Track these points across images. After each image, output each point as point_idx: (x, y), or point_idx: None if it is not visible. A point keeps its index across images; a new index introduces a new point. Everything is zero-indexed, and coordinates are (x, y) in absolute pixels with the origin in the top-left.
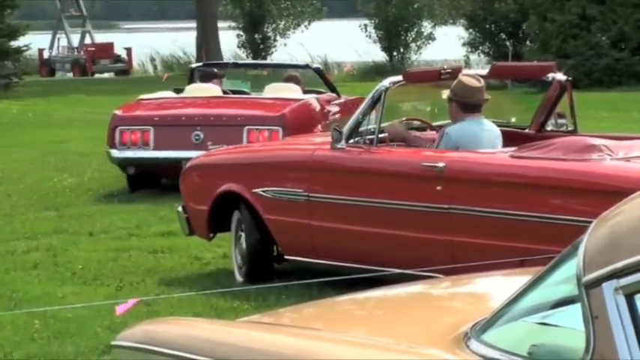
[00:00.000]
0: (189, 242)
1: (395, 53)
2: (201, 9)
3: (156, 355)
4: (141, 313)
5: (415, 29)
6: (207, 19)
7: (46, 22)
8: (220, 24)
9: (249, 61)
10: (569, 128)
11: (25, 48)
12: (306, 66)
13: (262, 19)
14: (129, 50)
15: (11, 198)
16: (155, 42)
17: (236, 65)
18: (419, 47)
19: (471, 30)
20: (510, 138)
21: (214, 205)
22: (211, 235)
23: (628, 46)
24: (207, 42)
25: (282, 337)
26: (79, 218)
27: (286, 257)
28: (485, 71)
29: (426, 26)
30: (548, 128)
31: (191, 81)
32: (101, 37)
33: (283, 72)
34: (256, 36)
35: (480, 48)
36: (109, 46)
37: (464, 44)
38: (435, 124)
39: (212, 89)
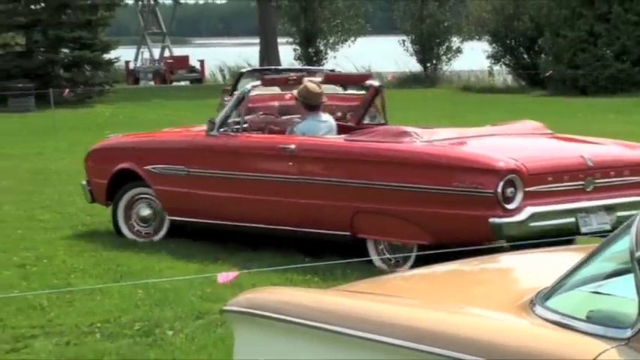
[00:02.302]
0: None
1: (428, 64)
2: (263, 26)
3: (258, 318)
4: (224, 285)
5: (446, 44)
6: (268, 35)
7: (131, 37)
8: (279, 39)
9: (286, 67)
10: (381, 122)
11: (115, 60)
12: (332, 70)
13: (315, 35)
14: (202, 62)
15: None
16: (222, 55)
17: (276, 70)
18: (449, 59)
19: (494, 44)
20: (341, 129)
21: (112, 179)
22: (109, 202)
23: (629, 59)
24: (269, 55)
25: (372, 303)
26: None
27: (170, 218)
28: (320, 79)
29: (455, 41)
30: (365, 122)
31: (236, 85)
32: (178, 51)
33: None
34: (310, 50)
35: (502, 60)
36: (185, 59)
37: (488, 57)
38: (287, 117)
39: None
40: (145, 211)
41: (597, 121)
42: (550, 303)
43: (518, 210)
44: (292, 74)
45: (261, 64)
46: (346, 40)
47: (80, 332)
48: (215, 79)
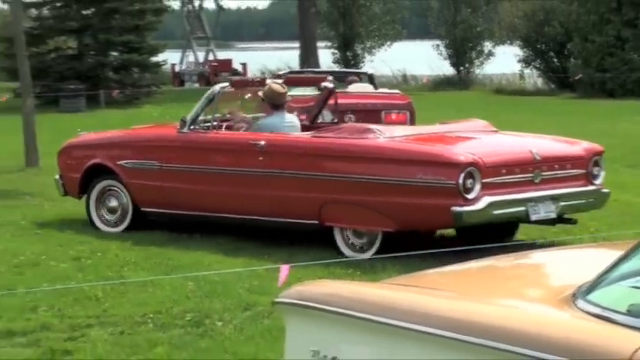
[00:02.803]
0: None
1: (461, 68)
2: (303, 31)
3: (308, 310)
4: (270, 278)
5: (478, 48)
6: (308, 40)
7: (177, 41)
8: (318, 43)
9: (321, 69)
10: (335, 120)
11: (161, 63)
12: (364, 73)
13: (353, 40)
14: (244, 65)
15: None
16: (263, 58)
17: (313, 72)
18: (481, 63)
19: (524, 49)
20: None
21: (85, 173)
22: (81, 195)
23: None
24: (308, 58)
25: (417, 295)
26: None
27: (142, 209)
28: (282, 80)
29: (487, 45)
30: (319, 121)
31: None
32: (221, 55)
33: (345, 77)
34: (348, 53)
35: (532, 64)
36: (228, 62)
37: (519, 61)
38: (254, 115)
39: (306, 88)
40: (113, 203)
41: (624, 122)
42: (591, 297)
43: (476, 199)
44: (258, 77)
45: (301, 67)
46: (383, 45)
47: (133, 322)
48: None
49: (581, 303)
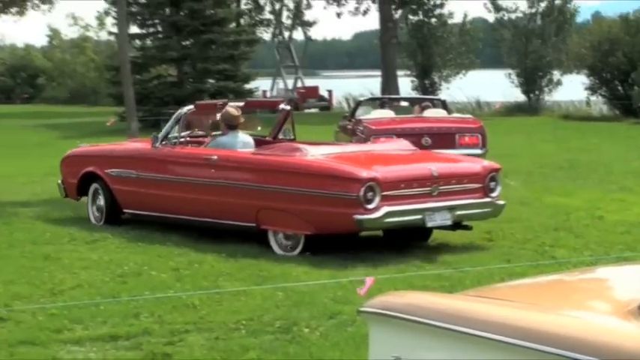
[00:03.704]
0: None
1: (532, 95)
2: (384, 61)
3: (391, 319)
4: (353, 289)
5: (547, 77)
6: (389, 69)
7: (268, 70)
8: (398, 72)
9: (397, 96)
10: (292, 137)
11: (254, 90)
12: (438, 99)
13: (430, 69)
14: (330, 92)
15: None
16: (347, 86)
17: (390, 99)
18: (550, 90)
19: (591, 77)
20: (259, 143)
21: (80, 179)
22: (79, 197)
23: None
24: (389, 86)
25: (493, 306)
26: None
27: (124, 210)
28: (242, 104)
29: (556, 74)
30: (280, 137)
31: (354, 111)
32: (309, 82)
33: (419, 102)
34: (426, 81)
35: (598, 91)
36: (315, 89)
37: (585, 89)
38: (213, 133)
39: (385, 112)
40: (100, 202)
41: None
42: None
43: (376, 209)
44: (220, 102)
45: (382, 94)
46: (458, 73)
47: (227, 328)
48: (341, 106)
49: None
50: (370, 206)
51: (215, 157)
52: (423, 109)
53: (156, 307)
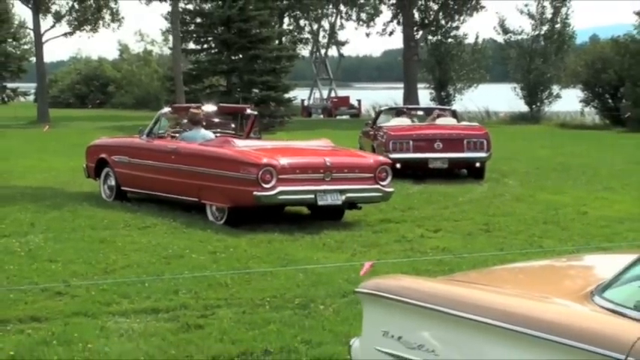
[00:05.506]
0: (398, 227)
1: (534, 106)
2: (406, 75)
3: (382, 299)
4: (368, 272)
5: (548, 90)
6: (410, 82)
7: (306, 82)
8: (419, 85)
9: (414, 105)
10: (259, 136)
11: (293, 99)
12: (449, 109)
13: (446, 82)
14: (359, 101)
15: None
16: (375, 96)
17: (408, 108)
18: (550, 102)
19: (585, 91)
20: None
21: (97, 163)
22: (97, 178)
23: None
24: (410, 96)
25: (470, 290)
26: None
27: (122, 189)
28: (215, 109)
29: (555, 88)
30: (252, 135)
31: (376, 119)
32: (341, 92)
33: (432, 112)
34: (442, 93)
35: (591, 104)
36: (346, 98)
37: (580, 101)
38: (184, 129)
39: (402, 120)
40: (111, 183)
41: None
42: (606, 294)
43: (272, 188)
44: (193, 105)
45: (404, 104)
46: (470, 86)
47: (254, 304)
48: (369, 114)
49: (597, 299)
50: (267, 186)
51: (174, 147)
52: (436, 117)
53: (193, 285)
